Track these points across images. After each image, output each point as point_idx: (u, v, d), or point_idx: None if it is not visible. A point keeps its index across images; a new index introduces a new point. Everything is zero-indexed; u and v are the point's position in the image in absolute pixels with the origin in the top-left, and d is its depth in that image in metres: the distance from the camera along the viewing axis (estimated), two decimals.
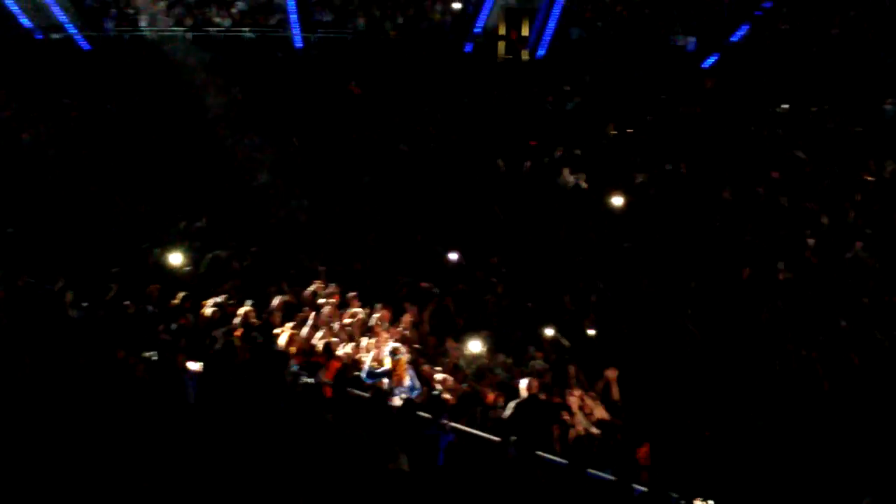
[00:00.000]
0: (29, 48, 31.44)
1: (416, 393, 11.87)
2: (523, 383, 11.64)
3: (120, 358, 9.32)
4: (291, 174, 20.61)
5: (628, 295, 15.48)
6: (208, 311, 12.91)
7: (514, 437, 10.22)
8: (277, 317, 13.30)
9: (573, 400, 11.42)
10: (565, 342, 13.79)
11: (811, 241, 17.80)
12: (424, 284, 15.12)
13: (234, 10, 36.17)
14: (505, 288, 15.59)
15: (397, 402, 11.36)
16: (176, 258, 14.87)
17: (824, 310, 15.21)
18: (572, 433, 10.90)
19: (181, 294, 13.14)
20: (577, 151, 23.02)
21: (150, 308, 12.76)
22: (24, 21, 33.12)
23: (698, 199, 20.30)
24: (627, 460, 10.19)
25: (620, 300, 15.21)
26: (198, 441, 9.08)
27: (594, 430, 10.94)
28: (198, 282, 14.39)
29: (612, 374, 12.06)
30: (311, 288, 14.22)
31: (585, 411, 11.33)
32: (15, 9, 33.27)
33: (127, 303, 12.66)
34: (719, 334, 14.28)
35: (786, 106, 27.93)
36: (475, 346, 13.18)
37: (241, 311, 12.91)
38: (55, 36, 33.26)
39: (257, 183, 19.56)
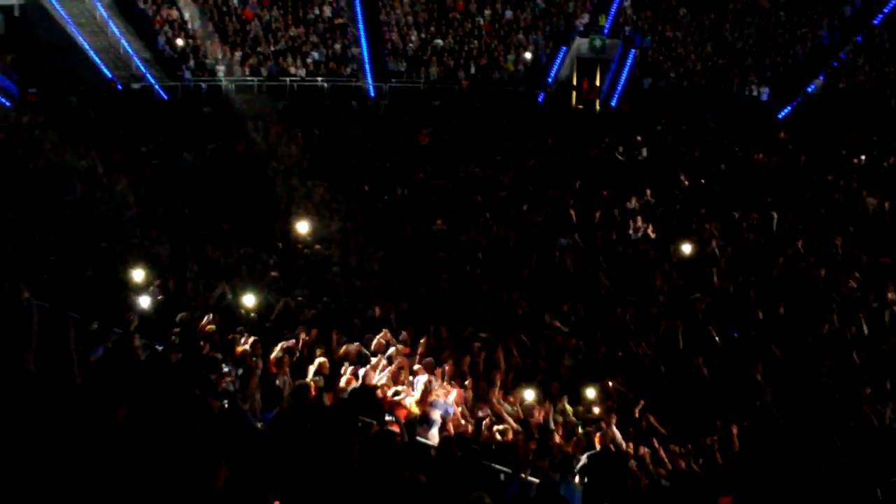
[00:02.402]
0: (111, 98, 32.16)
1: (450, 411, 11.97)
2: (597, 437, 11.54)
3: (196, 395, 9.19)
4: (362, 222, 20.72)
5: (699, 346, 15.27)
6: (276, 354, 12.91)
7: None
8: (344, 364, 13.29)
9: (645, 452, 11.27)
10: (627, 392, 13.64)
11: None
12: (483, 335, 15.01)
13: (308, 61, 36.71)
14: (576, 335, 15.46)
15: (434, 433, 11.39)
16: (249, 300, 14.91)
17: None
18: (643, 484, 10.75)
19: (251, 339, 13.16)
20: (651, 200, 22.90)
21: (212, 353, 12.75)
22: (107, 72, 33.92)
23: (770, 249, 20.07)
24: None
25: (692, 351, 14.99)
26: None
27: (664, 482, 10.78)
28: (270, 327, 14.44)
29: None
30: (379, 338, 14.16)
31: (660, 463, 11.17)
32: (98, 60, 34.12)
33: (198, 344, 12.72)
34: (796, 387, 14.03)
35: (863, 157, 27.56)
36: (529, 395, 13.07)
37: (317, 361, 12.86)
38: (136, 86, 34.00)
39: (327, 231, 19.66)
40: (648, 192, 23.22)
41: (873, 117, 31.50)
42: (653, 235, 20.74)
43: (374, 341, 14.05)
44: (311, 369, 12.53)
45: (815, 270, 18.60)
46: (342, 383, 12.51)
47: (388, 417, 11.48)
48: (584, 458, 11.24)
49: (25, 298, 5.26)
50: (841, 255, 19.81)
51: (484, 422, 12.10)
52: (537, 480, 10.49)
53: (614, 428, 12.16)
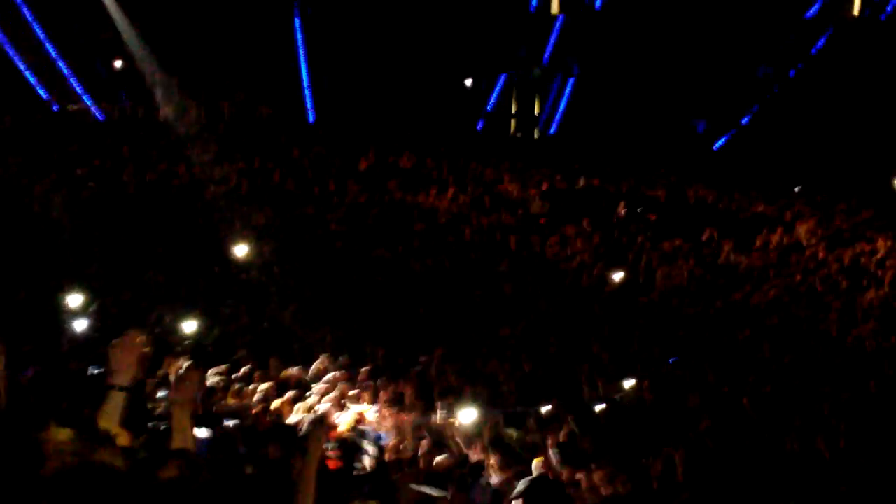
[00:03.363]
0: (46, 118, 31.78)
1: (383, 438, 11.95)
2: (537, 461, 11.52)
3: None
4: (299, 247, 20.63)
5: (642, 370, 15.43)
6: (212, 380, 12.79)
7: None
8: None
9: (581, 477, 11.26)
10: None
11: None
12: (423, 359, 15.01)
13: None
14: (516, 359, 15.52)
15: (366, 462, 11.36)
16: (190, 326, 14.72)
17: None
18: None
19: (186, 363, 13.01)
20: (588, 228, 23.14)
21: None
22: (42, 92, 33.53)
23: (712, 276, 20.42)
24: None
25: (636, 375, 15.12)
26: None
27: None
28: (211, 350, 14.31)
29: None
30: (318, 364, 14.06)
31: (596, 488, 11.17)
32: (33, 80, 33.70)
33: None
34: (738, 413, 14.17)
35: (797, 188, 28.09)
36: (467, 416, 12.99)
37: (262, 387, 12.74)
38: (72, 107, 33.63)
39: (263, 256, 19.56)
40: (586, 220, 23.45)
41: (809, 149, 32.09)
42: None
43: (313, 367, 13.96)
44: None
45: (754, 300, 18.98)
46: (275, 407, 12.35)
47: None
48: (521, 484, 11.22)
49: None
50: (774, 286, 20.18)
51: (422, 446, 12.02)
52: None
53: (552, 452, 12.15)
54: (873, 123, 32.51)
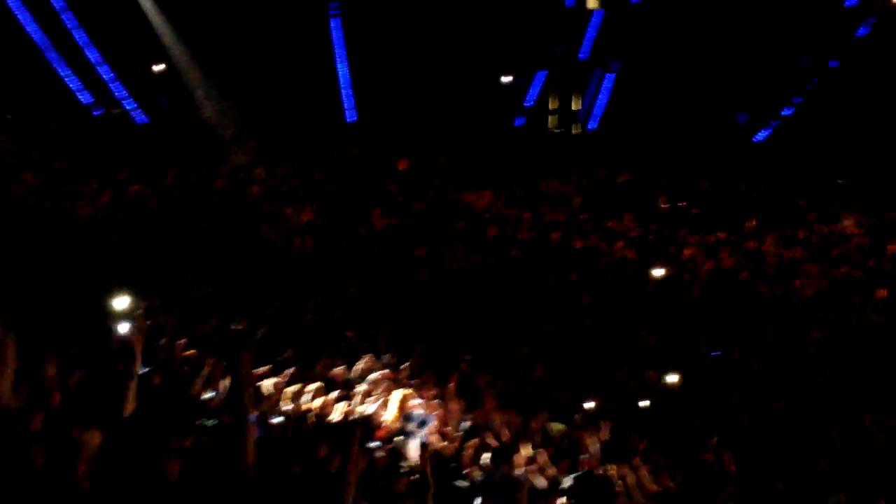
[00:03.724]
0: (87, 123, 32.01)
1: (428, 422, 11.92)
2: (583, 457, 11.51)
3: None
4: (341, 247, 20.68)
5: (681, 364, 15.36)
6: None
7: None
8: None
9: (626, 472, 11.24)
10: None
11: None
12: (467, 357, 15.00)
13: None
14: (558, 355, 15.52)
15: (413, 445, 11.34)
16: (234, 328, 14.80)
17: None
18: None
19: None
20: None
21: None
22: (83, 97, 33.78)
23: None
24: None
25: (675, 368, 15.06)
26: None
27: None
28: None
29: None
30: (362, 363, 14.10)
31: (642, 485, 11.14)
32: (75, 85, 33.97)
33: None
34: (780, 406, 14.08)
35: (841, 180, 27.80)
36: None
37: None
38: (114, 111, 33.85)
39: (307, 255, 19.63)
40: (627, 215, 23.36)
41: (852, 140, 31.73)
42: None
43: (357, 366, 14.00)
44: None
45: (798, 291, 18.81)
46: (316, 406, 12.36)
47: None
48: (569, 480, 11.21)
49: (0, 331, 5.17)
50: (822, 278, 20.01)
51: (469, 443, 12.05)
52: None
53: (595, 448, 12.13)
54: None
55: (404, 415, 12.15)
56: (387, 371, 13.78)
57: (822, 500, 11.01)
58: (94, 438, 5.84)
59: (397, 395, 12.47)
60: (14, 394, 7.89)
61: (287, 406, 12.09)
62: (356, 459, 6.53)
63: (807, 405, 14.03)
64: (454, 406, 13.09)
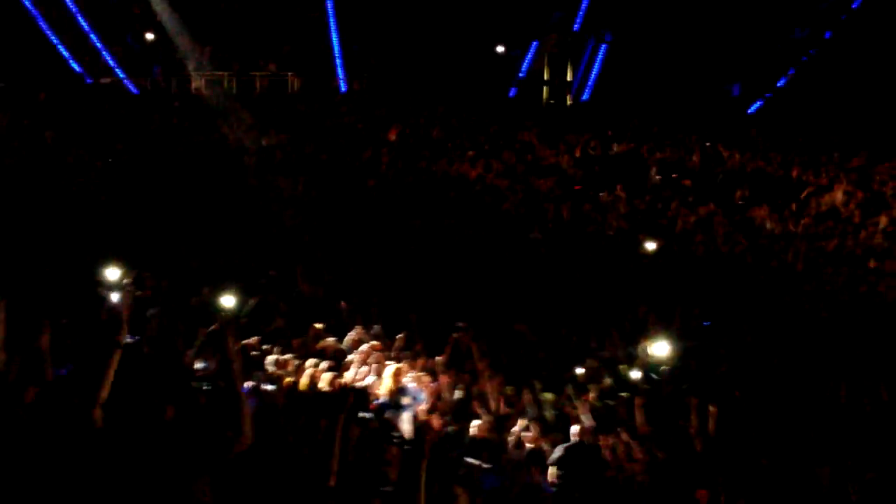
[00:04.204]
0: (79, 92, 31.91)
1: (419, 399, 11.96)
2: (574, 428, 11.51)
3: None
4: (333, 217, 20.66)
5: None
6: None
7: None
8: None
9: (616, 442, 11.27)
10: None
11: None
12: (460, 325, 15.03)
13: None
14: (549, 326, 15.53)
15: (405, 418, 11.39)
16: (228, 301, 14.75)
17: None
18: (619, 477, 10.74)
19: None
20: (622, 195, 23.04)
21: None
22: (75, 65, 33.68)
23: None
24: None
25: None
26: None
27: (639, 476, 10.75)
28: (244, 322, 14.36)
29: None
30: (353, 334, 14.10)
31: (632, 454, 11.17)
32: (66, 54, 33.86)
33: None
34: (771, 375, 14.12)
35: (835, 152, 27.80)
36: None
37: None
38: (105, 80, 33.76)
39: (299, 224, 19.61)
40: (619, 186, 23.37)
41: (845, 112, 31.73)
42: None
43: (348, 337, 13.99)
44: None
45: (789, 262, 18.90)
46: (305, 378, 12.33)
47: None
48: (559, 451, 11.23)
49: None
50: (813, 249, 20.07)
51: (460, 413, 12.06)
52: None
53: (585, 418, 12.15)
54: None
55: (398, 388, 12.16)
56: (377, 342, 13.78)
57: (810, 472, 11.04)
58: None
59: (390, 369, 12.47)
60: (4, 362, 7.89)
61: (277, 375, 12.09)
62: (344, 427, 6.55)
63: (797, 377, 14.08)
64: (446, 377, 13.11)
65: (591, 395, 12.81)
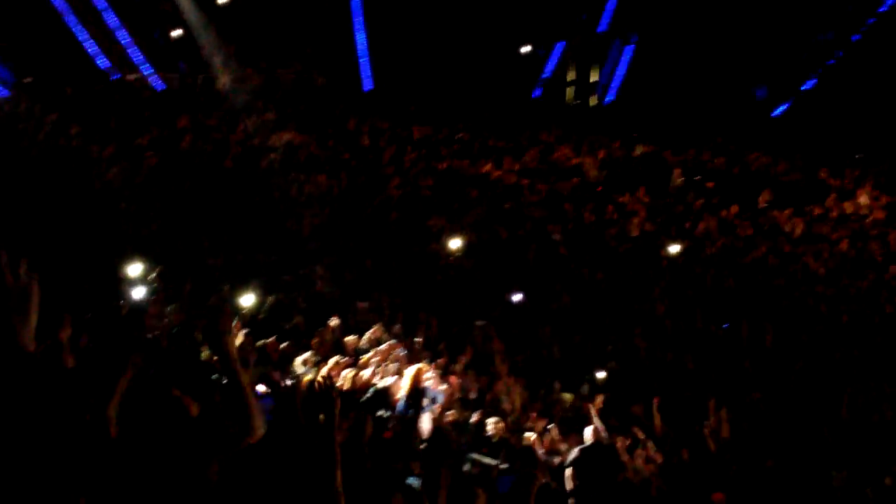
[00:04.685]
0: (105, 88, 32.04)
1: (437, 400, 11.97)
2: (588, 430, 11.53)
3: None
4: (356, 216, 20.69)
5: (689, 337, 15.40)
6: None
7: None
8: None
9: (632, 443, 11.29)
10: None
11: None
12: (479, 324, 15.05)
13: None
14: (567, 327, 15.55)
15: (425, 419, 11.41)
16: (247, 300, 14.80)
17: None
18: (635, 479, 10.75)
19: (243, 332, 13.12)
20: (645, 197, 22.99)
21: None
22: (101, 61, 33.85)
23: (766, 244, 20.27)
24: None
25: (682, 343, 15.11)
26: None
27: (653, 478, 10.77)
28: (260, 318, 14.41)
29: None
30: (372, 332, 14.12)
31: (647, 456, 11.19)
32: (93, 49, 34.03)
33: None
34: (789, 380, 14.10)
35: (858, 155, 27.69)
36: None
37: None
38: (131, 76, 33.92)
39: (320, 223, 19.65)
40: (642, 189, 23.32)
41: (871, 115, 31.57)
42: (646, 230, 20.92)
43: (367, 335, 14.03)
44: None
45: (811, 267, 18.81)
46: (326, 372, 12.35)
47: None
48: (575, 452, 11.25)
49: (25, 273, 5.15)
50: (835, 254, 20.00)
51: (476, 414, 12.09)
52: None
53: (597, 420, 12.16)
54: None
55: (418, 389, 12.17)
56: (395, 341, 13.81)
57: (826, 475, 11.03)
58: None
59: (411, 369, 12.48)
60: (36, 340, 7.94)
61: (296, 372, 12.15)
62: (334, 424, 6.54)
63: (816, 381, 14.05)
64: (466, 378, 13.15)
65: (600, 397, 12.83)
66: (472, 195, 22.59)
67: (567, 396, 13.46)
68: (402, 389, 12.22)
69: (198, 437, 5.56)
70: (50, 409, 5.32)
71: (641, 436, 11.46)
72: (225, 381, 6.07)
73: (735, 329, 15.93)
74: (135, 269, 15.15)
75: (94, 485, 4.78)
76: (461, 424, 11.86)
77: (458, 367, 13.50)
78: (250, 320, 14.16)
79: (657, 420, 12.28)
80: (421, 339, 14.19)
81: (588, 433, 11.49)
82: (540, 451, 11.47)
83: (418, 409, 11.96)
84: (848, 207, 22.96)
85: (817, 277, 18.48)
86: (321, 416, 7.11)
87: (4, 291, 4.59)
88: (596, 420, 11.88)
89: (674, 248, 19.42)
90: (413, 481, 8.21)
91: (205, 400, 7.30)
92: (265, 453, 6.44)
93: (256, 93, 32.70)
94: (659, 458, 11.20)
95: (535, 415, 12.64)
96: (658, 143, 28.65)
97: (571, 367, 14.20)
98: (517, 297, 16.64)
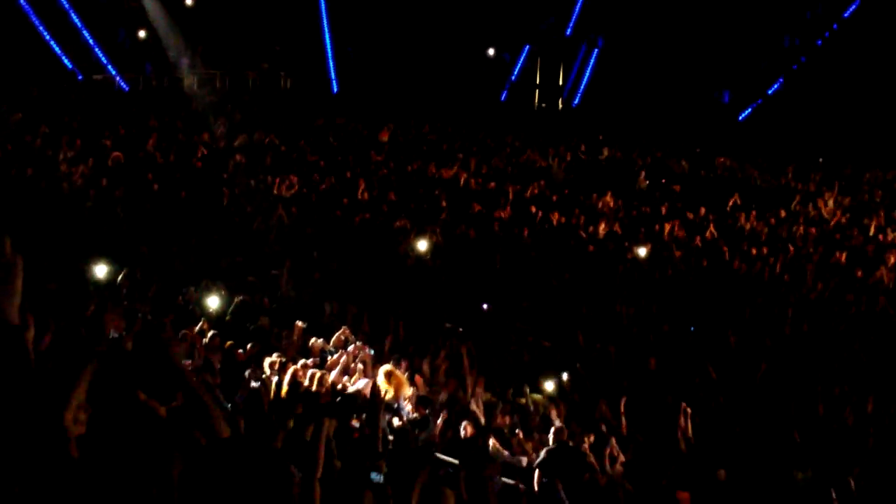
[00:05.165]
0: (71, 88, 31.87)
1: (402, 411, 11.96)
2: (552, 433, 11.56)
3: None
4: (322, 218, 20.66)
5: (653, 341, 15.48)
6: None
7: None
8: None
9: (598, 443, 11.34)
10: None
11: None
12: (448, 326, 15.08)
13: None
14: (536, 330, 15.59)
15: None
16: (213, 302, 14.74)
17: None
18: (601, 479, 10.78)
19: (210, 333, 13.09)
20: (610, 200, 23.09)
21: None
22: (67, 62, 33.66)
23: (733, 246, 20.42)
24: None
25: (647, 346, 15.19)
26: None
27: (619, 478, 10.80)
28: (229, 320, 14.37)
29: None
30: (339, 334, 14.10)
31: (614, 456, 11.24)
32: (59, 50, 33.84)
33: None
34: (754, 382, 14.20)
35: (821, 159, 27.95)
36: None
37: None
38: (97, 77, 33.75)
39: (285, 224, 19.61)
40: (608, 191, 23.43)
41: (835, 119, 31.89)
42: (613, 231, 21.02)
43: (334, 338, 14.01)
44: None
45: (775, 269, 18.97)
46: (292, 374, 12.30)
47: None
48: (542, 453, 11.27)
49: (9, 250, 5.14)
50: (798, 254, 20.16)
51: (441, 417, 12.07)
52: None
53: (559, 421, 12.21)
54: None
55: (384, 392, 12.13)
56: (362, 343, 13.79)
57: (790, 475, 11.12)
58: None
59: (382, 370, 12.43)
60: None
61: (261, 374, 12.09)
62: (326, 428, 6.57)
63: (781, 382, 14.16)
64: (433, 379, 13.15)
65: (559, 402, 12.85)
66: (439, 198, 22.61)
67: (537, 398, 13.49)
68: (370, 392, 12.17)
69: (162, 438, 5.55)
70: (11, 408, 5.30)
71: (606, 433, 11.51)
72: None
73: (700, 332, 16.04)
74: (100, 270, 15.08)
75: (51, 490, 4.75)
76: (426, 424, 11.85)
77: (425, 369, 13.49)
78: (217, 321, 14.12)
79: (623, 420, 12.34)
80: (388, 341, 14.19)
81: (551, 435, 11.52)
82: (506, 453, 11.50)
83: (385, 411, 11.94)
84: (812, 210, 23.16)
85: (782, 281, 18.62)
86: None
87: None
88: (558, 421, 11.94)
89: (641, 251, 19.54)
90: (375, 477, 8.22)
91: (171, 401, 7.28)
92: (234, 453, 6.44)
93: (223, 94, 32.65)
94: (621, 458, 11.25)
95: (502, 416, 12.65)
96: (624, 145, 28.82)
97: (538, 369, 14.22)
98: (485, 306, 16.70)
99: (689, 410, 11.88)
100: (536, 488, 10.80)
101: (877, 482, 11.27)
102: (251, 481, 6.40)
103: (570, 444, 11.39)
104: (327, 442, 8.10)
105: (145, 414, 7.34)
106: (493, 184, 23.98)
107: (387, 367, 12.50)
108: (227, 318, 14.45)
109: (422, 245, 18.80)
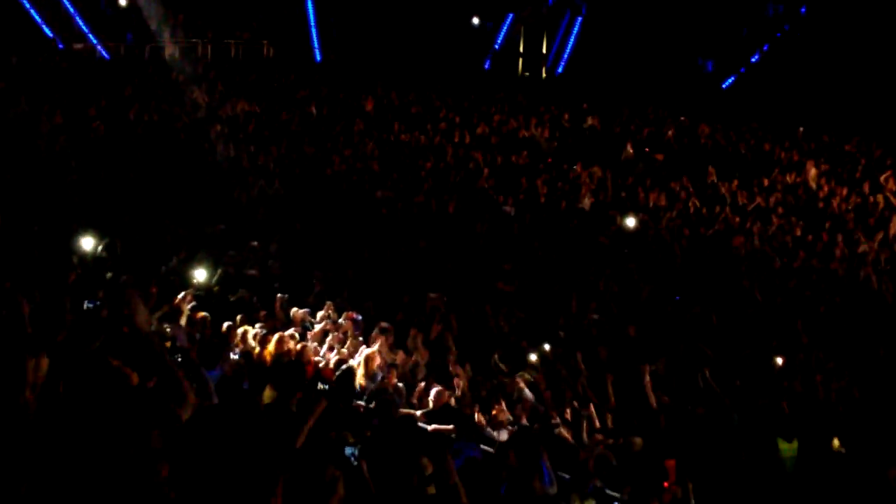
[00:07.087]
0: (51, 57, 31.61)
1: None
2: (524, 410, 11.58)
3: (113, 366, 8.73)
4: (305, 187, 20.60)
5: (634, 309, 15.52)
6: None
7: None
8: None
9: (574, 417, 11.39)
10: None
11: None
12: (433, 296, 15.05)
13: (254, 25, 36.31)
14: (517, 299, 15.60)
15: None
16: (201, 274, 14.66)
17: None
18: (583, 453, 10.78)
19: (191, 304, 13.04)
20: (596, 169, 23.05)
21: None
22: (47, 30, 33.37)
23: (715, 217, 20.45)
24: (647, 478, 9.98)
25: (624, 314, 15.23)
26: None
27: (602, 448, 10.80)
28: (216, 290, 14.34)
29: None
30: (326, 309, 14.07)
31: (591, 423, 11.28)
32: (39, 18, 33.54)
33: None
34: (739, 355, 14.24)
35: (801, 128, 27.94)
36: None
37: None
38: (77, 46, 33.47)
39: (268, 192, 19.57)
40: (593, 160, 23.44)
41: (819, 88, 31.88)
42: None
43: (320, 313, 14.00)
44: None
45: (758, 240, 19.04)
46: (272, 346, 12.27)
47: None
48: (513, 433, 11.22)
49: None
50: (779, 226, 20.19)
51: (418, 387, 12.07)
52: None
53: (527, 391, 12.22)
54: (885, 63, 32.21)
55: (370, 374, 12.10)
56: (345, 314, 13.77)
57: (773, 444, 11.20)
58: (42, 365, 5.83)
59: (364, 352, 12.39)
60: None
61: (244, 346, 12.09)
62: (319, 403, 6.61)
63: (764, 352, 14.20)
64: (414, 350, 13.16)
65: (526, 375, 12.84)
66: (423, 167, 22.56)
67: (524, 375, 13.45)
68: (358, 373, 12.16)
69: (137, 407, 5.55)
70: None
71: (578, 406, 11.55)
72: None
73: (685, 302, 16.07)
74: (84, 239, 15.02)
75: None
76: (403, 392, 11.86)
77: (408, 341, 13.49)
78: (204, 293, 14.08)
79: (610, 391, 12.36)
80: (370, 309, 14.20)
81: (525, 410, 11.54)
82: (486, 427, 11.51)
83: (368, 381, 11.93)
84: (794, 179, 23.16)
85: (764, 253, 18.64)
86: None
87: None
88: (527, 393, 11.96)
89: (629, 221, 19.50)
90: (349, 451, 8.22)
91: (144, 370, 7.27)
92: (214, 423, 6.45)
93: (205, 63, 32.43)
94: (598, 425, 11.30)
95: (482, 389, 12.66)
96: (608, 114, 28.75)
97: (520, 340, 14.22)
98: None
99: (648, 367, 11.95)
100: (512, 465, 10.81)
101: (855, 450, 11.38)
102: (228, 451, 6.42)
103: (549, 417, 11.42)
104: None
105: (118, 381, 7.34)
106: (477, 153, 23.89)
107: (367, 350, 12.43)
108: (215, 288, 14.44)
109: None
